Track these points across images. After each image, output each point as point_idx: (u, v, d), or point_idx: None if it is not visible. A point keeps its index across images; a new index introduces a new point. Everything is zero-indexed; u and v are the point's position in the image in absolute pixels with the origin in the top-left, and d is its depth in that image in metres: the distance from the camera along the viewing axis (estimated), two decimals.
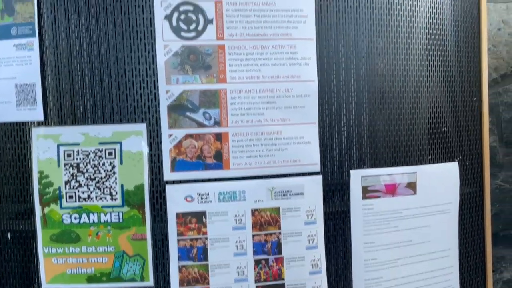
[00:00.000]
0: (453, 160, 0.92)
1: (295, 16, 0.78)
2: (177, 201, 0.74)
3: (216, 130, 0.76)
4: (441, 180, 0.90)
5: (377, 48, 0.86)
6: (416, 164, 0.89)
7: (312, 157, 0.80)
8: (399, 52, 0.88)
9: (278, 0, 0.77)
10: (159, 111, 0.74)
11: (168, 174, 0.74)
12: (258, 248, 0.77)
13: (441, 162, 0.91)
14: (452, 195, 0.91)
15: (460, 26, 0.98)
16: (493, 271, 1.65)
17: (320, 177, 0.80)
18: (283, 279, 0.78)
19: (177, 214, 0.75)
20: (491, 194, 1.62)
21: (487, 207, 0.99)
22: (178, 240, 0.75)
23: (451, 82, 0.96)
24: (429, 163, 0.90)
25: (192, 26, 0.75)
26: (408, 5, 0.88)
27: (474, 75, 0.99)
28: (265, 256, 0.78)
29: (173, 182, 0.75)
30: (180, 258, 0.75)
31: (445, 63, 0.95)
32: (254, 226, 0.77)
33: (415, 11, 0.90)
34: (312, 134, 0.79)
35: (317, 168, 0.80)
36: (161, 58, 0.74)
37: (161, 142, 0.74)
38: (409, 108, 0.89)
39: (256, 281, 0.77)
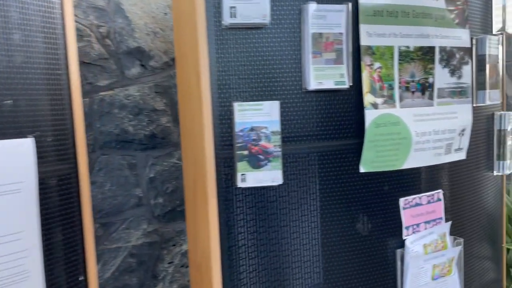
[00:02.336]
0: (26, 137, 0.87)
1: None
2: None
3: None
4: (4, 158, 0.83)
5: None
6: None
7: None
8: None
9: None
10: None
11: None
12: None
13: (5, 138, 0.84)
14: (25, 174, 0.86)
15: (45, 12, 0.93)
16: (173, 244, 1.75)
17: None
18: None
19: None
20: (168, 172, 1.71)
21: (84, 182, 0.98)
22: None
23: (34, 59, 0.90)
24: None
25: None
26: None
27: (60, 54, 0.96)
28: None
29: None
30: None
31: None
32: None
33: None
34: None
35: None
36: None
37: None
38: None
39: None
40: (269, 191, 1.09)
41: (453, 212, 1.34)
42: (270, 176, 1.05)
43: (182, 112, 1.27)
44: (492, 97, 1.34)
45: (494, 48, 1.34)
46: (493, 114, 1.46)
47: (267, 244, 1.11)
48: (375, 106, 1.12)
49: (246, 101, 1.05)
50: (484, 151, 1.46)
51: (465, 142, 1.30)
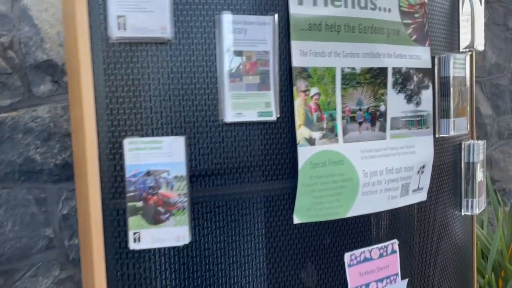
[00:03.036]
0: None
1: None
2: None
3: None
4: None
5: None
6: None
7: None
8: None
9: None
10: None
11: None
12: None
13: None
14: None
15: None
16: None
17: None
18: None
19: None
20: None
21: None
22: None
23: None
24: None
25: None
26: None
27: None
28: None
29: None
30: None
31: None
32: None
33: None
34: None
35: None
36: None
37: None
38: None
39: None
40: (180, 250, 0.85)
41: (414, 262, 1.13)
42: (174, 233, 0.82)
43: (75, 149, 1.04)
44: (458, 127, 1.14)
45: (460, 68, 1.15)
46: (460, 144, 1.27)
47: None
48: (311, 141, 0.91)
49: (144, 136, 0.82)
50: (450, 186, 1.26)
51: (425, 181, 1.09)
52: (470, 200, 1.28)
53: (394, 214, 1.06)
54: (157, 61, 0.82)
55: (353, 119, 0.96)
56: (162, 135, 0.82)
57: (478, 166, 1.26)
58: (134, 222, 0.80)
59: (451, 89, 1.11)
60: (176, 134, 0.82)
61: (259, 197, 0.90)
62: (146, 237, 0.81)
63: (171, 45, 0.82)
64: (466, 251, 1.33)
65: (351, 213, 0.97)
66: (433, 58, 1.12)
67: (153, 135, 0.82)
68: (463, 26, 1.26)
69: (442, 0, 1.18)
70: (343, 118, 0.95)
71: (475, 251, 1.43)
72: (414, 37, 1.04)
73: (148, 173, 0.80)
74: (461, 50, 1.24)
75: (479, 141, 1.29)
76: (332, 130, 0.93)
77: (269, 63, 0.86)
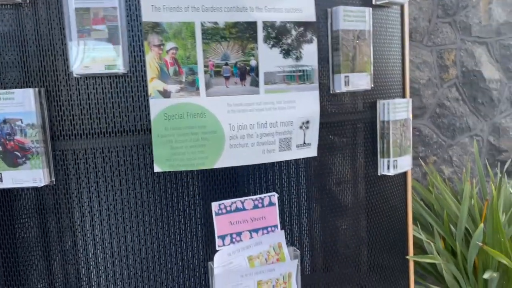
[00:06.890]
0: None
1: None
2: None
3: None
4: None
5: None
6: None
7: None
8: None
9: None
10: None
11: None
12: None
13: None
14: None
15: None
16: None
17: None
18: None
19: None
20: None
21: None
22: None
23: None
24: None
25: None
26: None
27: None
28: None
29: None
30: None
31: None
32: None
33: None
34: None
35: None
36: None
37: None
38: None
39: None
40: (42, 192, 0.96)
41: (315, 215, 1.14)
42: (31, 175, 0.92)
43: None
44: (354, 82, 1.11)
45: (357, 21, 1.10)
46: (375, 102, 1.23)
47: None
48: (165, 94, 0.95)
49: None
50: (370, 145, 1.24)
51: (312, 136, 1.09)
52: (385, 160, 1.24)
53: (285, 168, 1.08)
54: (9, 19, 0.91)
55: (218, 73, 0.98)
56: (16, 87, 0.91)
57: (393, 125, 1.22)
58: None
59: (341, 43, 1.08)
60: (30, 87, 0.91)
61: (118, 147, 0.97)
62: (7, 178, 0.91)
63: (20, 6, 0.90)
64: (398, 212, 1.30)
65: (219, 164, 1.00)
66: (326, 12, 1.09)
67: (9, 88, 0.92)
68: None
69: None
70: (206, 72, 0.97)
71: (410, 214, 1.39)
72: None
73: (4, 121, 0.90)
74: (375, 3, 1.19)
75: (398, 100, 1.24)
76: (193, 84, 0.97)
77: (117, 18, 0.91)
